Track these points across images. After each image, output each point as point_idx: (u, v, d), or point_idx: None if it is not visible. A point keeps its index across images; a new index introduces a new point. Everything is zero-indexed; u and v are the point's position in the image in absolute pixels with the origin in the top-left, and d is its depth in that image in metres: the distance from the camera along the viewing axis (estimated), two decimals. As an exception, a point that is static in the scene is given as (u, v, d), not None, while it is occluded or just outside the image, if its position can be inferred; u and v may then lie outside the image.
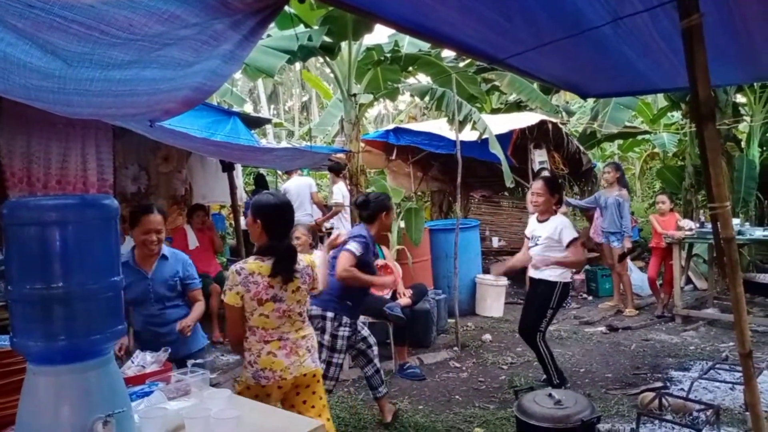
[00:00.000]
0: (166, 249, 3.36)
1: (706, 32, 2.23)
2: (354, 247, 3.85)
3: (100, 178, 6.67)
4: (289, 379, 2.70)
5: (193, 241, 6.40)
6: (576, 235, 4.52)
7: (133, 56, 1.97)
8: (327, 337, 3.89)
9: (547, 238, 4.48)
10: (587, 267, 8.30)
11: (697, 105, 2.21)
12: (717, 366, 4.36)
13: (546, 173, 7.85)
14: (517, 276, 8.75)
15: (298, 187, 8.23)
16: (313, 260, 2.94)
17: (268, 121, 10.49)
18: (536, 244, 4.56)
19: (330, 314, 3.90)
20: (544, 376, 4.80)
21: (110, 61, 1.97)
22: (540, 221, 4.65)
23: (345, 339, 3.94)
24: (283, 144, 13.25)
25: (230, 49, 2.07)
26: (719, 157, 2.29)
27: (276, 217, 2.78)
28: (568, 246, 4.42)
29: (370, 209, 4.05)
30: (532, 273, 4.67)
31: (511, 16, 2.65)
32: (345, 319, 3.92)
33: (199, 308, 3.41)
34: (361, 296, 4.05)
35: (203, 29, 1.90)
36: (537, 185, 4.64)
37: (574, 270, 5.10)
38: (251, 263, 2.71)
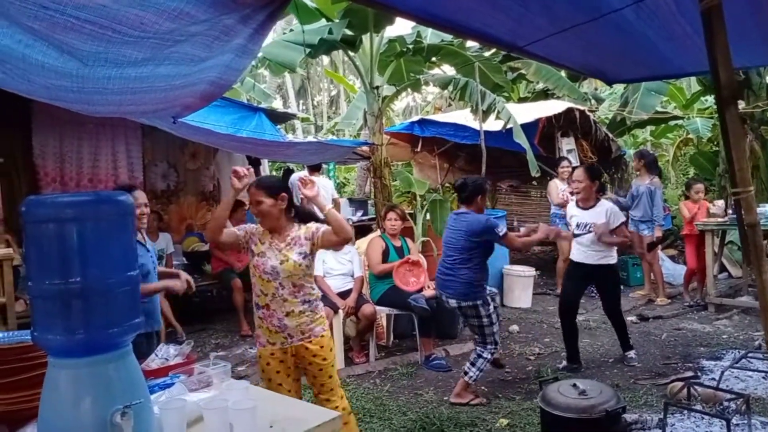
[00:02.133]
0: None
1: (731, 13, 2.17)
2: (502, 226, 4.33)
3: (131, 176, 6.81)
4: None
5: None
6: (624, 218, 4.83)
7: (146, 54, 2.01)
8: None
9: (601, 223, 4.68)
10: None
11: (719, 88, 2.16)
12: (749, 355, 4.25)
13: (570, 159, 7.76)
14: (546, 266, 8.68)
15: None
16: None
17: (294, 116, 10.55)
18: (589, 231, 4.69)
19: (479, 302, 4.33)
20: (563, 364, 4.92)
21: (124, 59, 2.01)
22: (584, 208, 4.80)
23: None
24: (310, 138, 13.32)
25: (242, 43, 2.10)
26: (742, 141, 2.24)
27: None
28: (614, 230, 4.68)
29: (468, 191, 4.35)
30: (592, 260, 4.76)
31: (527, 2, 2.61)
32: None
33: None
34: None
35: (213, 25, 1.92)
36: (578, 173, 4.84)
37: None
38: None
